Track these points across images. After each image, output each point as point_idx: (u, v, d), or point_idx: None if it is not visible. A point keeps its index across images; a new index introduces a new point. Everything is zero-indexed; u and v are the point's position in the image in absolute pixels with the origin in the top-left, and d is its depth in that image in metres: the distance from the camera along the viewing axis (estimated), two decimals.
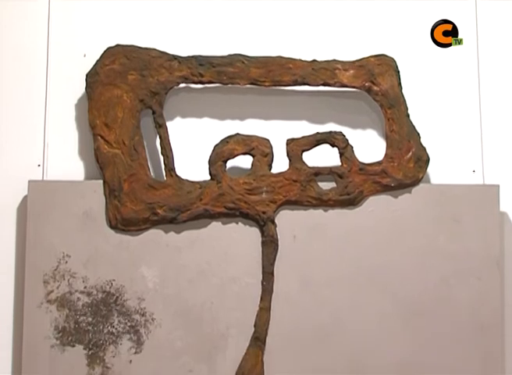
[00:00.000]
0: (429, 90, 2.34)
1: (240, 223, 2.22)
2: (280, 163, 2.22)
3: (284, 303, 2.20)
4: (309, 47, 2.32)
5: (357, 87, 2.26)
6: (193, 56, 2.24)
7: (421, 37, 2.34)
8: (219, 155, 2.21)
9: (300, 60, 2.25)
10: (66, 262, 2.19)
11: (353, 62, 2.26)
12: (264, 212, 2.20)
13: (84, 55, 2.29)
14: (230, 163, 2.22)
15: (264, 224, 2.20)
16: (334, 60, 2.26)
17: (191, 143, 2.28)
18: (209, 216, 2.21)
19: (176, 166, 2.20)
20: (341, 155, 2.23)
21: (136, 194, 2.19)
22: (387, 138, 2.25)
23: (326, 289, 2.21)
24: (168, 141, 2.21)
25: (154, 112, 2.21)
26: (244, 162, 2.23)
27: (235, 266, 2.21)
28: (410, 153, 2.23)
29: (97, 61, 2.21)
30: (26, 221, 2.18)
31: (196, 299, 2.19)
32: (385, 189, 2.23)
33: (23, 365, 2.15)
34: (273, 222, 2.21)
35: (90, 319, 2.18)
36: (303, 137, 2.23)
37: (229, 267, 2.21)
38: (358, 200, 2.23)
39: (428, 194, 2.24)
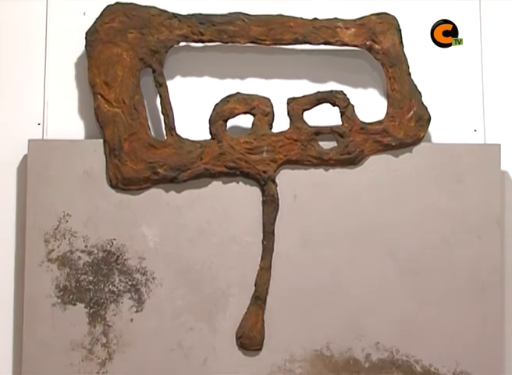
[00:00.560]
0: (431, 49, 2.32)
1: (240, 183, 2.22)
2: (281, 122, 2.21)
3: (284, 262, 2.20)
4: (310, 5, 2.30)
5: (358, 46, 2.24)
6: (193, 15, 2.22)
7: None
8: (220, 115, 2.20)
9: (301, 18, 2.23)
10: (67, 221, 2.19)
11: (355, 20, 2.24)
12: (264, 172, 2.20)
13: (84, 13, 2.28)
14: (231, 122, 2.21)
15: (265, 183, 2.20)
16: (335, 18, 2.24)
17: (191, 102, 2.28)
18: (210, 176, 2.20)
19: (176, 125, 2.20)
20: (342, 114, 2.22)
21: (137, 154, 2.19)
22: (388, 97, 2.23)
23: (326, 248, 2.21)
24: (169, 100, 2.20)
25: (154, 71, 2.20)
26: (245, 121, 2.22)
27: (235, 225, 2.21)
28: (412, 112, 2.22)
29: (97, 19, 2.20)
30: (27, 180, 2.18)
31: (196, 258, 2.20)
32: (386, 148, 2.23)
33: (25, 323, 2.16)
34: (274, 181, 2.20)
35: (91, 277, 2.19)
36: (303, 97, 2.22)
37: (230, 226, 2.21)
38: (359, 159, 2.22)
39: (429, 153, 2.23)
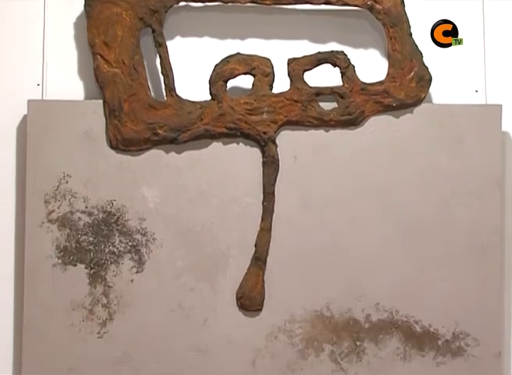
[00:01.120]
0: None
1: (240, 144, 2.21)
2: (281, 83, 2.20)
3: (285, 223, 2.20)
4: None
5: (360, 6, 2.22)
6: None
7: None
8: (220, 75, 2.19)
9: None
10: (67, 182, 2.19)
11: None
12: (265, 133, 2.19)
13: None
14: (231, 83, 2.20)
15: (265, 144, 2.19)
16: None
17: (191, 62, 2.26)
18: (210, 137, 2.20)
19: (176, 85, 2.19)
20: (342, 74, 2.20)
21: (137, 114, 2.18)
22: (389, 58, 2.22)
23: (327, 209, 2.21)
24: (169, 60, 2.19)
25: (153, 31, 2.19)
26: (245, 82, 2.21)
27: (235, 186, 2.21)
28: (413, 73, 2.21)
29: None
30: (26, 141, 2.17)
31: (196, 219, 2.20)
32: (387, 109, 2.22)
33: (25, 284, 2.17)
34: (274, 142, 2.20)
35: (91, 238, 2.19)
36: (304, 57, 2.21)
37: (230, 187, 2.21)
38: (359, 120, 2.21)
39: (429, 114, 2.22)
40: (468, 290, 2.21)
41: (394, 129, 2.22)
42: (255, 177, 2.20)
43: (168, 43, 2.21)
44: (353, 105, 2.20)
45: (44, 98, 2.25)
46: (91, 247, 2.19)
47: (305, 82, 2.20)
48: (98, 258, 2.19)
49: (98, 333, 2.18)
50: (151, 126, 2.18)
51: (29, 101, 2.18)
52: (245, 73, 2.20)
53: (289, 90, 2.20)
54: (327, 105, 2.21)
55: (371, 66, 2.27)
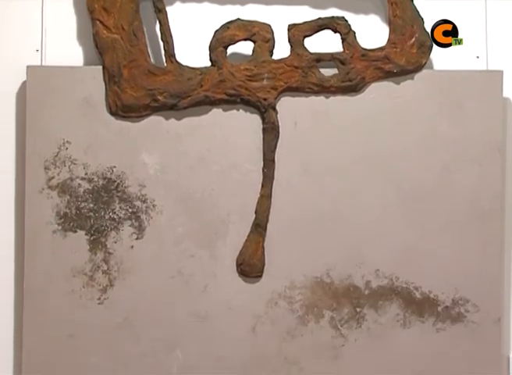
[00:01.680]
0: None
1: (240, 110, 2.20)
2: (281, 49, 2.19)
3: (285, 190, 2.20)
4: None
5: None
6: None
7: None
8: (220, 41, 2.18)
9: None
10: (67, 148, 2.18)
11: None
12: (265, 99, 2.18)
13: None
14: (231, 49, 2.19)
15: (265, 111, 2.18)
16: None
17: (191, 28, 2.25)
18: (210, 103, 2.19)
19: (176, 52, 2.18)
20: (343, 40, 2.19)
21: (137, 81, 2.17)
22: (390, 23, 2.21)
23: (327, 176, 2.21)
24: (168, 26, 2.17)
25: None
26: (245, 48, 2.20)
27: (235, 153, 2.20)
28: (414, 38, 2.20)
29: None
30: (26, 107, 2.17)
31: (197, 186, 2.20)
32: (388, 75, 2.21)
33: (25, 250, 2.17)
34: (274, 108, 2.19)
35: (91, 205, 2.19)
36: (304, 23, 2.19)
37: (230, 154, 2.20)
38: (360, 86, 2.20)
39: (430, 80, 2.21)
40: (468, 256, 2.21)
41: (395, 95, 2.21)
42: (255, 144, 2.20)
43: (168, 9, 2.20)
44: (354, 72, 2.19)
45: (43, 64, 2.23)
46: (91, 213, 2.19)
47: (305, 48, 2.19)
48: (98, 225, 2.19)
49: (99, 299, 2.18)
50: (150, 92, 2.17)
51: (28, 66, 2.17)
52: (245, 39, 2.18)
53: (290, 56, 2.19)
54: (327, 72, 2.20)
55: (371, 31, 2.25)
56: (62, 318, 2.17)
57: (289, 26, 2.19)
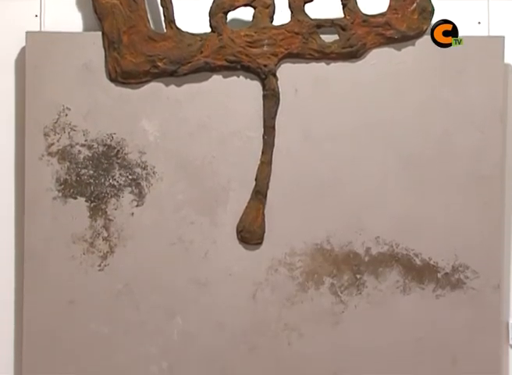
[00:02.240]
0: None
1: (241, 77, 2.19)
2: (282, 15, 2.18)
3: (285, 157, 2.20)
4: None
5: None
6: None
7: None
8: (220, 7, 2.16)
9: None
10: (66, 115, 2.17)
11: None
12: (265, 65, 2.18)
13: None
14: (231, 15, 2.18)
15: (266, 77, 2.18)
16: None
17: None
18: (210, 69, 2.18)
19: (175, 17, 2.16)
20: (344, 6, 2.18)
21: (136, 47, 2.16)
22: None
23: (327, 143, 2.20)
24: None
25: None
26: (245, 13, 2.18)
27: (236, 119, 2.20)
28: (415, 4, 2.18)
29: None
30: (25, 73, 2.16)
31: (197, 153, 2.19)
32: (389, 41, 2.20)
33: (26, 217, 2.17)
34: (274, 75, 2.18)
35: (91, 172, 2.18)
36: None
37: (230, 121, 2.20)
38: (361, 53, 2.19)
39: (431, 46, 2.20)
40: (468, 223, 2.21)
41: (396, 61, 2.20)
42: (256, 111, 2.19)
43: None
44: (355, 38, 2.18)
45: (43, 29, 2.22)
46: (91, 180, 2.18)
47: (306, 14, 2.18)
48: (99, 192, 2.18)
49: (99, 265, 2.18)
50: (150, 58, 2.16)
51: (27, 32, 2.16)
52: (245, 5, 2.17)
53: (290, 22, 2.18)
54: (328, 38, 2.19)
55: None
56: (63, 284, 2.18)
57: None
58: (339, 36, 2.19)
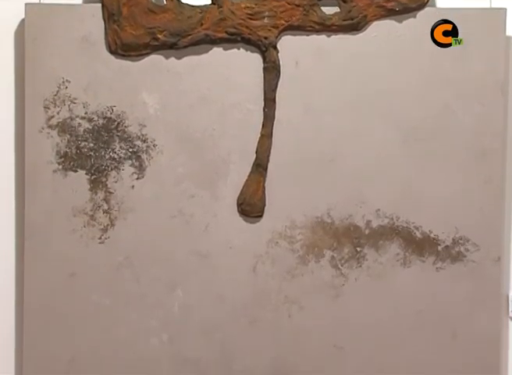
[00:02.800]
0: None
1: (241, 49, 2.18)
2: None
3: (286, 130, 2.19)
4: None
5: None
6: None
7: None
8: None
9: None
10: (66, 87, 2.17)
11: None
12: (266, 38, 2.16)
13: None
14: None
15: (266, 50, 2.17)
16: None
17: None
18: (210, 42, 2.17)
19: None
20: None
21: (136, 19, 2.15)
22: None
23: (328, 115, 2.19)
24: None
25: None
26: None
27: (236, 92, 2.19)
28: None
29: None
30: (25, 45, 2.15)
31: (197, 125, 2.19)
32: (390, 13, 2.18)
33: (26, 189, 2.17)
34: (275, 47, 2.17)
35: (91, 144, 2.18)
36: None
37: (231, 93, 2.19)
38: (362, 25, 2.18)
39: (433, 18, 2.18)
40: (469, 196, 2.21)
41: (397, 34, 2.19)
42: (256, 83, 2.18)
43: None
44: (356, 10, 2.17)
45: (42, 1, 2.21)
46: (92, 153, 2.18)
47: None
48: (99, 165, 2.18)
49: (100, 238, 2.19)
50: (150, 30, 2.15)
51: (26, 4, 2.15)
52: None
53: None
54: (329, 10, 2.17)
55: None
56: (64, 257, 2.18)
57: None
58: (339, 8, 2.17)
